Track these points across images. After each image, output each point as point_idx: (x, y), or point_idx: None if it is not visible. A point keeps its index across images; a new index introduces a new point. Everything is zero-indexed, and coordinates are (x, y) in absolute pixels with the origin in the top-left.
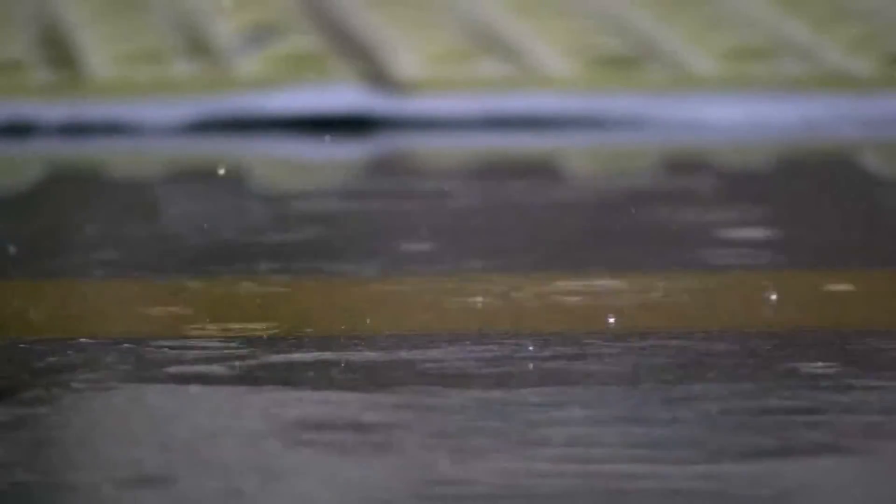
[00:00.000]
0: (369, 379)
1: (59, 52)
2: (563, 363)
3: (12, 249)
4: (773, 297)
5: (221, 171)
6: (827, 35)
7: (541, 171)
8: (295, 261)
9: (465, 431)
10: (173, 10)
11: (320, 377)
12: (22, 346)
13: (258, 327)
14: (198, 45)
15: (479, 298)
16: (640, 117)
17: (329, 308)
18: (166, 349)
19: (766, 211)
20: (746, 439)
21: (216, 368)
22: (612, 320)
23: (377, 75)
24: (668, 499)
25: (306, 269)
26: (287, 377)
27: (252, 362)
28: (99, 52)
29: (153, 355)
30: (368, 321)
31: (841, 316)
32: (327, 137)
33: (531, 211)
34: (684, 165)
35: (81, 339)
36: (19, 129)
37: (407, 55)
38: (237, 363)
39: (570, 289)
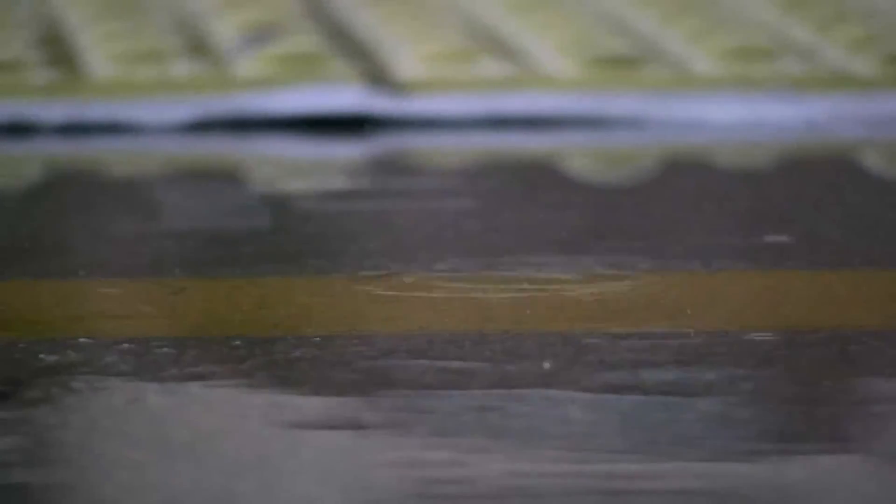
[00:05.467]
0: (369, 379)
1: (59, 52)
2: (564, 363)
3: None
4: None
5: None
6: (828, 35)
7: (541, 171)
8: (295, 261)
9: (465, 431)
10: (173, 10)
11: (320, 377)
12: (22, 346)
13: (258, 327)
14: (198, 45)
15: (479, 298)
16: (640, 117)
17: (329, 308)
18: (166, 349)
19: (766, 211)
20: (746, 439)
21: (216, 368)
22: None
23: (377, 75)
24: (668, 499)
25: (306, 269)
26: (287, 377)
27: (252, 362)
28: (99, 52)
29: (153, 355)
30: (368, 321)
31: (841, 316)
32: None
33: (531, 211)
34: (684, 165)
35: (81, 339)
36: (19, 129)
37: (407, 55)
38: (237, 363)
39: (570, 289)
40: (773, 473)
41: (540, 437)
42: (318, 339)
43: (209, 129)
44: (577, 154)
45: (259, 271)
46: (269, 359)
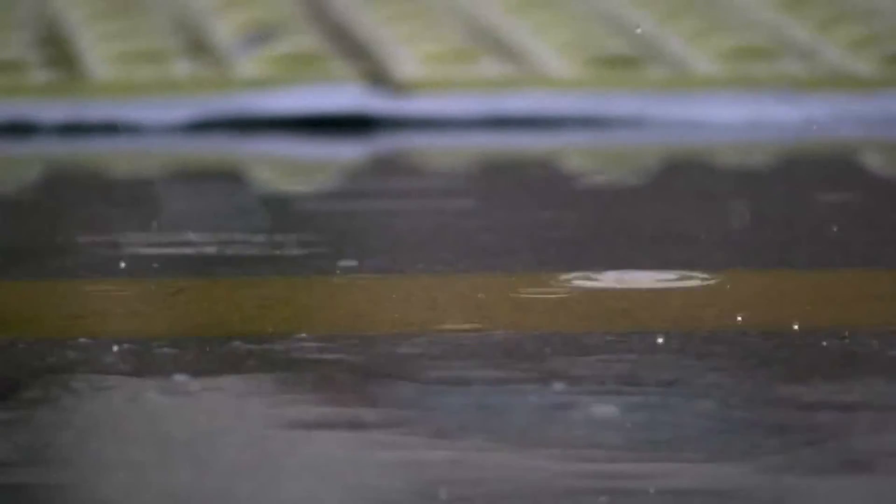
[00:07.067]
0: (369, 379)
1: (59, 52)
2: (563, 363)
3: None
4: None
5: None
6: (828, 35)
7: (541, 171)
8: (295, 261)
9: (466, 431)
10: (173, 10)
11: (320, 377)
12: (22, 346)
13: (258, 327)
14: (198, 45)
15: (479, 298)
16: (640, 117)
17: (329, 308)
18: (166, 349)
19: (765, 211)
20: (746, 439)
21: (216, 368)
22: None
23: (377, 75)
24: (668, 499)
25: (307, 269)
26: (287, 377)
27: (252, 362)
28: (99, 52)
29: (153, 355)
30: (368, 321)
31: (841, 316)
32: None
33: (531, 211)
34: (684, 165)
35: (81, 339)
36: (19, 129)
37: (407, 55)
38: (237, 363)
39: (570, 289)
40: (773, 473)
41: (540, 437)
42: (318, 339)
43: (209, 129)
44: (577, 154)
45: (259, 271)
46: (269, 359)
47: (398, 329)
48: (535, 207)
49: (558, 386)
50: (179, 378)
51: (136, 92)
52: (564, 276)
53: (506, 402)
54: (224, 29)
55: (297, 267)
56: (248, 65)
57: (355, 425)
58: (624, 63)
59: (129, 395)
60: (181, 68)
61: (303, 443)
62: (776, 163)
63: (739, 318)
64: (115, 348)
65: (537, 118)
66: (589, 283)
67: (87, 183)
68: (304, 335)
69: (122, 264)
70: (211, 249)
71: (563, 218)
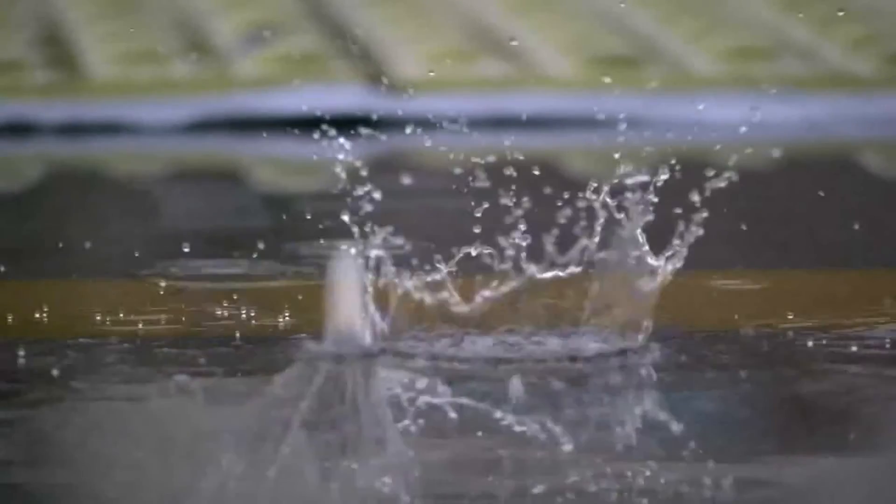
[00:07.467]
0: (370, 378)
1: (59, 52)
2: (564, 363)
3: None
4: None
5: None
6: (827, 35)
7: (541, 171)
8: (294, 261)
9: (466, 431)
10: (173, 10)
11: (321, 377)
12: (22, 346)
13: (257, 327)
14: (198, 45)
15: (479, 298)
16: (640, 117)
17: (329, 308)
18: (166, 349)
19: (766, 211)
20: (746, 439)
21: (216, 368)
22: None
23: (377, 75)
24: (668, 499)
25: (305, 269)
26: (287, 377)
27: (252, 362)
28: (99, 53)
29: (153, 355)
30: (368, 321)
31: (840, 316)
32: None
33: (531, 211)
34: (684, 165)
35: (81, 339)
36: (19, 129)
37: (407, 55)
38: (237, 363)
39: (570, 288)
40: (773, 473)
41: (539, 437)
42: (317, 339)
43: (209, 129)
44: (577, 154)
45: (258, 271)
46: (269, 359)
47: (398, 329)
48: (535, 207)
49: (558, 385)
50: (179, 378)
51: (136, 92)
52: (564, 276)
53: (506, 400)
54: (224, 29)
55: (297, 267)
56: (248, 65)
57: (356, 425)
58: (624, 63)
59: (129, 395)
60: (181, 68)
61: (303, 442)
62: (776, 163)
63: (739, 318)
64: (115, 348)
65: (537, 118)
66: (589, 283)
67: (87, 183)
68: (304, 335)
69: (122, 264)
70: (211, 249)
71: (563, 218)
